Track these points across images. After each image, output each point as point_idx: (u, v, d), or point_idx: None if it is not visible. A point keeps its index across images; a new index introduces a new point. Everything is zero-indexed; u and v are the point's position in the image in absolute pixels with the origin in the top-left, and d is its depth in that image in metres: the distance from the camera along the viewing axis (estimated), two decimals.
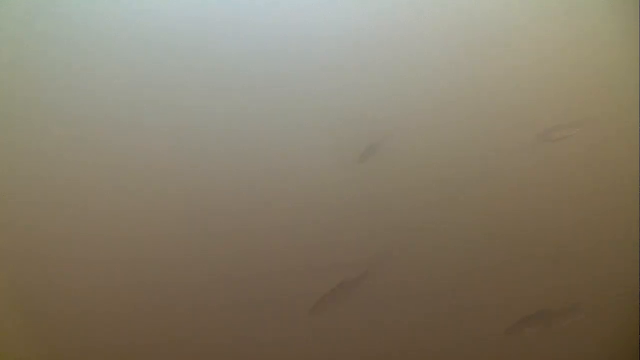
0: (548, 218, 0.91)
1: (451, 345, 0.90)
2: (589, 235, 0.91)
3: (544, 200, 0.91)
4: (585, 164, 0.91)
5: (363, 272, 0.89)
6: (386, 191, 0.89)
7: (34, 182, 0.86)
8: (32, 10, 0.87)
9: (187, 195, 0.87)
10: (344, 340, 0.89)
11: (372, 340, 0.89)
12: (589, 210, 0.91)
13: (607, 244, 0.91)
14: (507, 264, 0.90)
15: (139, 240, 0.87)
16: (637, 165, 0.91)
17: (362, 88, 0.89)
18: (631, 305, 0.91)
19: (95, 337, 0.87)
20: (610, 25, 0.93)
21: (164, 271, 0.87)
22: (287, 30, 0.89)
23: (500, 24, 0.91)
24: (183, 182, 0.87)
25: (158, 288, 0.87)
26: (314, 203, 0.88)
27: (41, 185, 0.86)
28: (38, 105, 0.87)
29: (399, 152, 0.89)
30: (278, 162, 0.88)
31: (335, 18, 0.89)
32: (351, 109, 0.89)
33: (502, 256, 0.90)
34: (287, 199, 0.88)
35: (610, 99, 0.92)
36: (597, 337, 0.91)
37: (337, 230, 0.89)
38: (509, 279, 0.90)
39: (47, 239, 0.87)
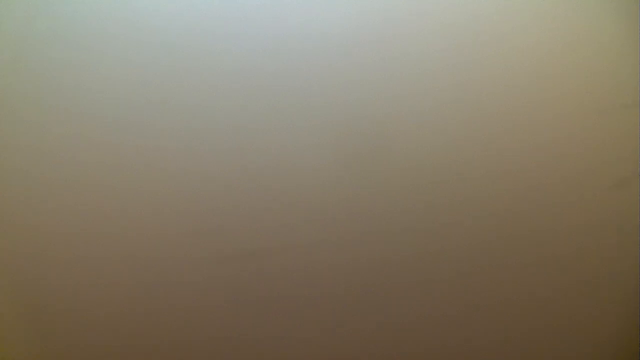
0: (549, 218, 0.91)
1: (452, 347, 0.90)
2: (589, 235, 0.91)
3: (544, 200, 0.91)
4: (584, 164, 0.91)
5: (363, 272, 0.89)
6: (386, 191, 0.89)
7: (34, 182, 0.86)
8: (32, 10, 0.87)
9: (188, 195, 0.87)
10: (344, 341, 0.89)
11: (372, 340, 0.89)
12: (588, 210, 0.91)
13: (607, 243, 0.91)
14: (508, 265, 0.90)
15: (141, 239, 0.87)
16: (637, 166, 0.91)
17: (363, 88, 0.89)
18: (631, 305, 0.91)
19: (96, 337, 0.87)
20: (610, 25, 0.93)
21: (166, 271, 0.87)
22: (287, 29, 0.89)
23: (501, 23, 0.91)
24: (184, 181, 0.87)
25: (160, 288, 0.87)
26: (315, 203, 0.88)
27: (41, 185, 0.86)
28: (38, 104, 0.87)
29: (399, 152, 0.89)
30: (277, 162, 0.88)
31: (336, 17, 0.89)
32: (351, 108, 0.89)
33: (502, 257, 0.90)
34: (286, 198, 0.88)
35: (610, 98, 0.92)
36: (597, 337, 0.91)
37: (338, 231, 0.89)
38: (509, 280, 0.90)
39: (47, 238, 0.87)
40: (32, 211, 0.86)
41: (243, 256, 0.88)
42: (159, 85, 0.88)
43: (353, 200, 0.89)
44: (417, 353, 0.89)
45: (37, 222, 0.86)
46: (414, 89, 0.90)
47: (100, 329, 0.87)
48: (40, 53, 0.87)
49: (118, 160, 0.87)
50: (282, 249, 0.88)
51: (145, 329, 0.87)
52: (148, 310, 0.87)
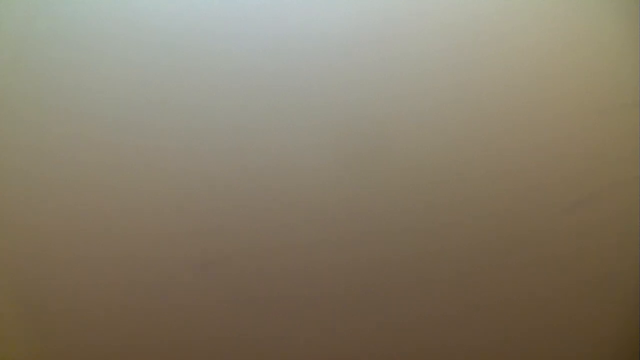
0: (549, 218, 0.90)
1: (452, 347, 0.90)
2: (589, 235, 0.91)
3: (544, 200, 0.91)
4: (584, 164, 0.91)
5: (363, 272, 0.89)
6: (386, 191, 0.89)
7: (34, 182, 0.86)
8: (32, 10, 0.87)
9: (188, 195, 0.87)
10: (344, 341, 0.89)
11: (372, 340, 0.89)
12: (588, 210, 0.91)
13: (607, 243, 0.91)
14: (508, 265, 0.90)
15: (140, 239, 0.87)
16: (637, 166, 0.91)
17: (363, 88, 0.89)
18: (631, 305, 0.91)
19: (96, 337, 0.87)
20: (610, 25, 0.93)
21: (166, 271, 0.87)
22: (287, 29, 0.89)
23: (501, 23, 0.91)
24: (184, 181, 0.87)
25: (160, 288, 0.87)
26: (315, 203, 0.88)
27: (41, 185, 0.86)
28: (38, 104, 0.87)
29: (399, 152, 0.89)
30: (277, 162, 0.88)
31: (336, 17, 0.89)
32: (351, 108, 0.89)
33: (502, 257, 0.90)
34: (286, 198, 0.88)
35: (610, 98, 0.92)
36: (597, 337, 0.91)
37: (338, 231, 0.89)
38: (509, 280, 0.90)
39: (47, 238, 0.87)
40: (32, 211, 0.86)
41: (243, 256, 0.88)
42: (159, 85, 0.88)
43: (353, 200, 0.89)
44: (417, 353, 0.89)
45: (37, 222, 0.86)
46: (414, 89, 0.90)
47: (100, 329, 0.87)
48: (40, 53, 0.87)
49: (118, 160, 0.87)
50: (282, 249, 0.88)
51: (145, 329, 0.87)
52: (148, 310, 0.87)
